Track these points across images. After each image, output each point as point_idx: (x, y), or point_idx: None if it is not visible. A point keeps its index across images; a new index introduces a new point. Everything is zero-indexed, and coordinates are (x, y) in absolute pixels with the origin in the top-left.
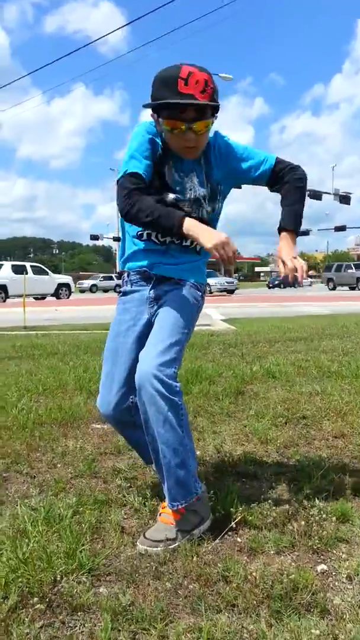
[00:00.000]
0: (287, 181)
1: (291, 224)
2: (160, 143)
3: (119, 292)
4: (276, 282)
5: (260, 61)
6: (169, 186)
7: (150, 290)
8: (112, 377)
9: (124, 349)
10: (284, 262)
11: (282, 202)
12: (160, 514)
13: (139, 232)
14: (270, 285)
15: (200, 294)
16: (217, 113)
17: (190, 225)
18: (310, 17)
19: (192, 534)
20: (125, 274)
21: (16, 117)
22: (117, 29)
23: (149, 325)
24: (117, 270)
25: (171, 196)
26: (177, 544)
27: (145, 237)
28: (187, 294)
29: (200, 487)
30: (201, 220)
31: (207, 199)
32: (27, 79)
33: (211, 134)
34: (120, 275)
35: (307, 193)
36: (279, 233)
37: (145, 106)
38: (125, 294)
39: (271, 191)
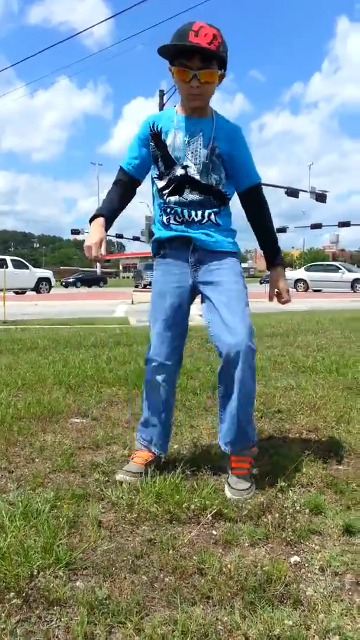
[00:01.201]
0: (263, 215)
1: (281, 261)
2: (167, 117)
3: (157, 254)
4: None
5: (242, 58)
6: (172, 159)
7: (191, 254)
8: (164, 334)
9: (171, 309)
10: (280, 293)
11: (266, 239)
12: (232, 469)
13: (162, 220)
14: (262, 282)
15: (237, 262)
16: (224, 69)
17: (92, 224)
18: (291, 15)
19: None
20: (164, 242)
21: None
22: (102, 21)
23: (192, 288)
24: (96, 265)
25: (178, 171)
26: (253, 489)
27: (166, 222)
28: (228, 263)
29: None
30: (213, 188)
31: (212, 164)
32: (11, 71)
33: (235, 126)
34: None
35: (285, 191)
36: (269, 269)
37: (160, 53)
38: (164, 256)
39: (239, 197)
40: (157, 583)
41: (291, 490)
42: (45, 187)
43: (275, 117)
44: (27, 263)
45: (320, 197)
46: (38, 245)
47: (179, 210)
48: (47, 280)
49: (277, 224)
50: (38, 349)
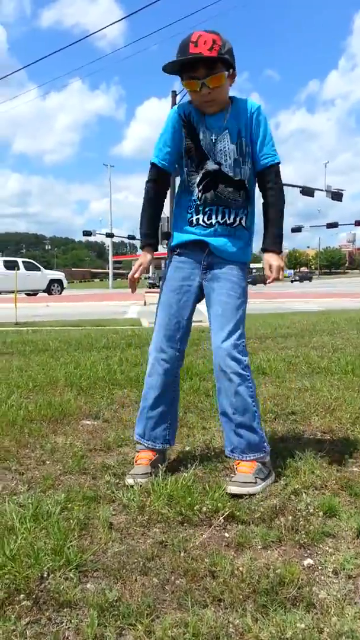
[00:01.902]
0: (274, 196)
1: (275, 245)
2: (193, 111)
3: (173, 250)
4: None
5: (257, 57)
6: (204, 153)
7: (205, 257)
8: (166, 327)
9: (177, 305)
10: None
11: (269, 222)
12: (237, 467)
13: (189, 219)
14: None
15: (244, 271)
16: (232, 68)
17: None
18: (307, 12)
19: (265, 483)
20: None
21: (12, 112)
22: (114, 22)
23: (200, 288)
24: (109, 266)
25: (211, 166)
26: (258, 487)
27: (195, 223)
28: (236, 275)
29: (268, 448)
30: (243, 184)
31: (241, 158)
32: (24, 74)
33: (253, 104)
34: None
35: (300, 190)
36: (263, 252)
37: (166, 71)
38: (180, 254)
39: (256, 178)
40: (168, 585)
41: (305, 492)
42: (57, 189)
43: (291, 115)
44: (38, 265)
45: (336, 196)
46: (50, 247)
47: (214, 209)
48: (59, 281)
49: (292, 223)
50: (49, 351)
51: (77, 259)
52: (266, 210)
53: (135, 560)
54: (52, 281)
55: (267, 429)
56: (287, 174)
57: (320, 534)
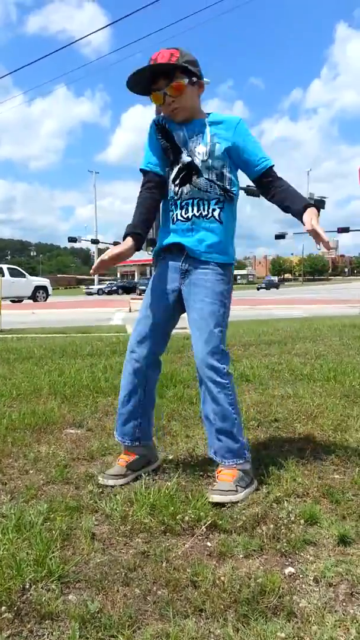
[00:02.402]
0: (280, 185)
1: (307, 201)
2: (169, 121)
3: (158, 256)
4: (263, 285)
5: (241, 65)
6: (178, 147)
7: (183, 262)
8: (141, 329)
9: (155, 309)
10: (318, 233)
11: (286, 199)
12: (218, 475)
13: (171, 217)
14: (259, 288)
15: (223, 275)
16: (195, 77)
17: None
18: (290, 22)
19: (247, 491)
20: (164, 248)
21: None
22: (99, 29)
23: (179, 292)
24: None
25: (185, 158)
26: (240, 495)
27: (175, 219)
28: (211, 280)
29: (249, 455)
30: (218, 174)
31: (213, 158)
32: (9, 80)
33: (234, 117)
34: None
35: None
36: (300, 216)
37: (131, 89)
38: (163, 259)
39: (252, 181)
40: (150, 596)
41: (286, 500)
42: (42, 196)
43: (275, 124)
44: (23, 271)
45: (319, 203)
46: (35, 254)
47: (190, 202)
48: (44, 288)
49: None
50: (34, 359)
51: (62, 266)
52: (283, 198)
53: (118, 571)
54: (38, 288)
55: (250, 436)
56: None
57: (302, 542)
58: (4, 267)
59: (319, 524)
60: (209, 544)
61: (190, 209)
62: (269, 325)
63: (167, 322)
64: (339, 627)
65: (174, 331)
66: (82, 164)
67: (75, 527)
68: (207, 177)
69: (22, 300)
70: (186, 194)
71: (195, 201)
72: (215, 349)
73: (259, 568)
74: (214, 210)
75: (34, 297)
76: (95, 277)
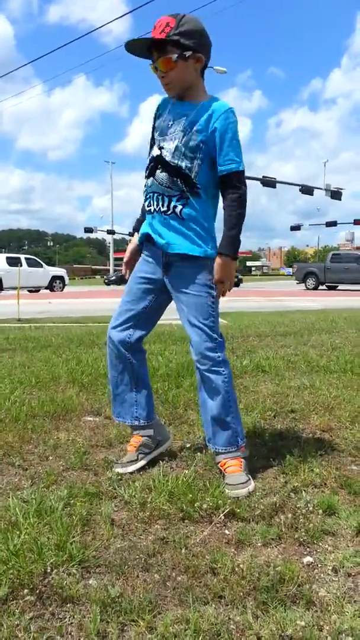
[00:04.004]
0: (228, 203)
1: (229, 250)
2: (170, 100)
3: (142, 244)
4: (112, 279)
5: (260, 54)
6: (154, 139)
7: (164, 255)
8: (119, 312)
9: (137, 294)
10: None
11: (224, 224)
12: (225, 469)
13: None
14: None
15: (200, 266)
16: (190, 50)
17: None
18: (310, 10)
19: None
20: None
21: (16, 108)
22: (117, 17)
23: (164, 284)
24: (110, 263)
25: (155, 151)
26: (252, 483)
27: (146, 209)
28: (189, 271)
29: (243, 439)
30: (182, 172)
31: (184, 148)
32: (30, 70)
33: (225, 105)
34: None
35: (299, 188)
36: (219, 256)
37: (130, 52)
38: (146, 249)
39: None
40: (169, 582)
41: (304, 490)
42: (60, 186)
43: (294, 114)
44: (41, 261)
45: (336, 195)
46: (52, 244)
47: (153, 196)
48: (61, 278)
49: (292, 221)
50: (52, 347)
51: (78, 256)
52: (224, 216)
53: (137, 557)
54: (54, 278)
55: (266, 426)
56: (288, 171)
57: (320, 532)
58: (22, 257)
59: (337, 515)
60: (227, 531)
61: (152, 202)
62: (284, 317)
63: (148, 309)
64: (359, 616)
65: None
66: (100, 154)
67: (95, 512)
68: (172, 171)
69: (39, 290)
70: (150, 186)
71: (156, 195)
72: (208, 339)
73: (278, 557)
74: (175, 207)
75: (51, 286)
76: (111, 269)
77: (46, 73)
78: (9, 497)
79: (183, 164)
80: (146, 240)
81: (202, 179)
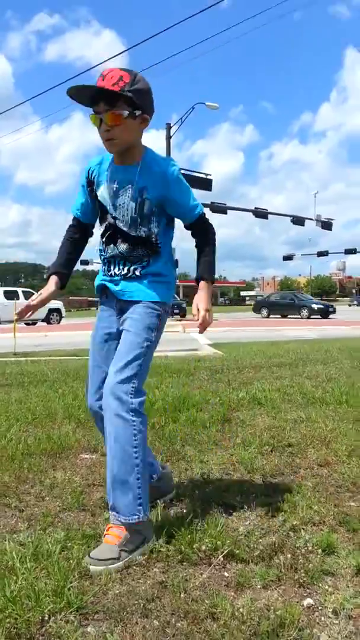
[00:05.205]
0: (206, 240)
1: (208, 274)
2: (106, 161)
3: (100, 298)
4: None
5: (252, 89)
6: (104, 205)
7: (117, 302)
8: (90, 377)
9: (99, 354)
10: (198, 310)
11: (198, 256)
12: (105, 535)
13: (102, 267)
14: None
15: (152, 310)
16: (139, 110)
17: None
18: (300, 47)
19: (134, 555)
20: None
21: (15, 144)
22: (113, 56)
23: (118, 334)
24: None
25: (109, 219)
26: (120, 563)
27: (104, 271)
28: (139, 312)
29: (146, 512)
30: (143, 239)
31: (140, 218)
32: (29, 107)
33: (169, 164)
34: None
35: (291, 219)
36: (197, 283)
37: (71, 97)
38: (102, 302)
39: (187, 229)
40: (168, 628)
41: (303, 528)
42: (57, 219)
43: (284, 147)
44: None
45: (326, 225)
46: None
47: (113, 261)
48: (58, 311)
49: (284, 251)
50: (48, 382)
51: (74, 288)
52: (198, 249)
53: (136, 602)
54: (51, 310)
55: (264, 461)
56: (279, 203)
57: (320, 572)
58: (19, 290)
59: (336, 554)
60: (226, 574)
61: (112, 267)
62: (279, 347)
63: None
64: None
65: (184, 353)
66: None
67: None
68: (133, 241)
69: (36, 323)
70: (109, 253)
71: (117, 260)
72: (126, 381)
73: (278, 599)
74: (135, 269)
75: (47, 319)
76: None
77: (43, 110)
78: (5, 541)
79: (143, 233)
80: (102, 291)
81: (162, 238)
